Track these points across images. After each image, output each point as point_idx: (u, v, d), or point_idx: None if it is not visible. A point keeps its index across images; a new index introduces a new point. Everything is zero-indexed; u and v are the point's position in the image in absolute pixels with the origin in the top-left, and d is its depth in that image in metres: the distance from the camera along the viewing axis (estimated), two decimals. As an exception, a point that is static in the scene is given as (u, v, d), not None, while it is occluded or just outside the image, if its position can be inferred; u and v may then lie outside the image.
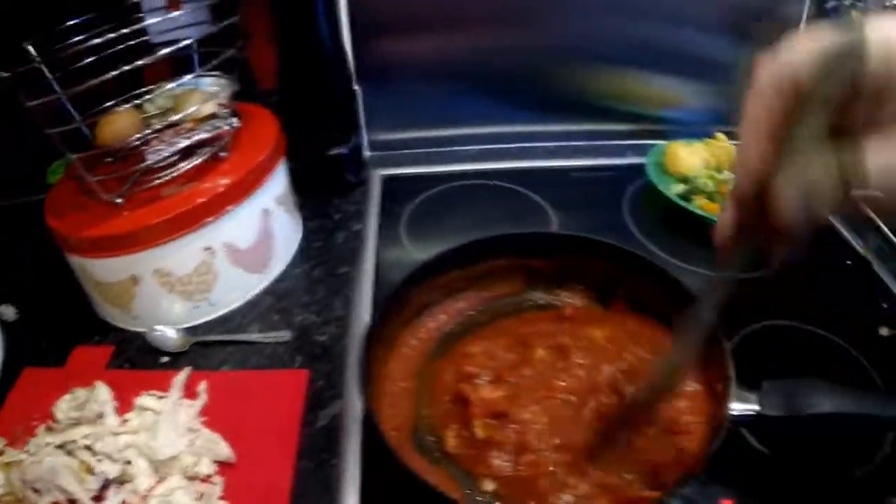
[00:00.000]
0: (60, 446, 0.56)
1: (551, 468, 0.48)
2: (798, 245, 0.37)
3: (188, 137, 0.68)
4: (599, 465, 0.49)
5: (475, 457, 0.50)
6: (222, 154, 0.68)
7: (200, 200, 0.64)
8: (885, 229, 0.81)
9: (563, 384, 0.53)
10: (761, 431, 0.58)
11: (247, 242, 0.69)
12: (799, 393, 0.50)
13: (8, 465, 0.55)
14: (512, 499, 0.48)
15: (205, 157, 0.67)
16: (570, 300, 0.64)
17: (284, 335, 0.66)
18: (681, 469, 0.49)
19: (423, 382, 0.56)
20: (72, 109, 0.64)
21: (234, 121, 0.70)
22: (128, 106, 0.69)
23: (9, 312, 0.72)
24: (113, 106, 0.67)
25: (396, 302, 0.55)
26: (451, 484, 0.49)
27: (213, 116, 0.70)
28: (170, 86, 0.67)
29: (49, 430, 0.59)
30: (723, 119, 0.95)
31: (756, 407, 0.50)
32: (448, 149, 0.98)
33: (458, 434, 0.51)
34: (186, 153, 0.68)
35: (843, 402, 0.50)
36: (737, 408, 0.49)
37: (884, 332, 0.68)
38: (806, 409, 0.50)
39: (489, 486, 0.49)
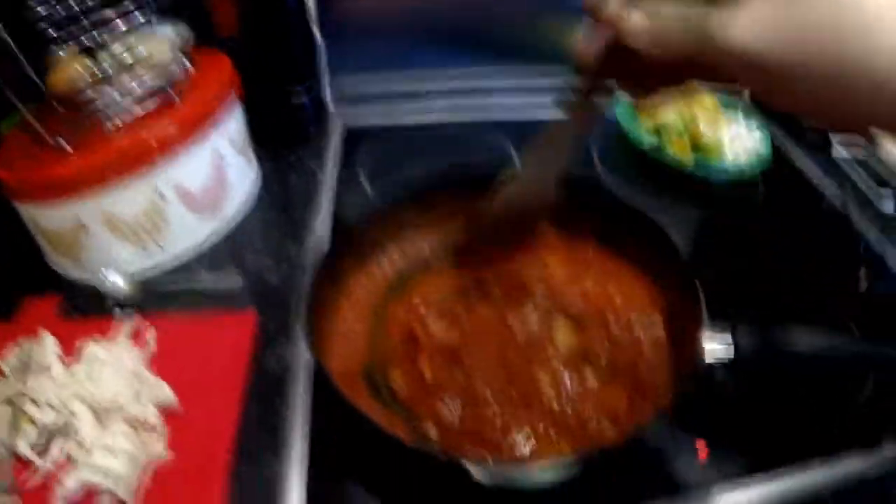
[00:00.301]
0: (7, 401, 0.54)
1: (500, 414, 0.45)
2: (652, 85, 0.41)
3: (141, 83, 0.65)
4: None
5: (422, 399, 0.47)
6: (175, 99, 0.65)
7: (149, 141, 0.61)
8: (857, 175, 0.79)
9: (518, 325, 0.50)
10: (735, 374, 0.55)
11: (199, 186, 0.66)
12: (774, 333, 0.48)
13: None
14: (457, 445, 0.45)
15: (157, 101, 0.65)
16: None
17: (235, 279, 0.63)
18: (651, 410, 0.46)
19: (378, 323, 0.53)
20: (18, 52, 0.62)
21: (188, 65, 0.67)
22: (77, 48, 0.67)
23: (-44, 265, 0.70)
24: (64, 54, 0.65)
25: (348, 240, 0.52)
26: (400, 427, 0.46)
27: (167, 62, 0.68)
28: (121, 24, 0.64)
29: (-7, 381, 0.56)
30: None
31: (730, 346, 0.47)
32: (412, 100, 0.94)
33: (407, 375, 0.49)
34: (139, 99, 0.65)
35: (820, 343, 0.47)
36: (710, 348, 0.47)
37: (862, 279, 0.65)
38: (781, 349, 0.47)
39: (432, 431, 0.46)
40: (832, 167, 0.82)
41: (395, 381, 0.48)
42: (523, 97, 0.95)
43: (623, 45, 0.35)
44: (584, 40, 0.40)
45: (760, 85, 0.33)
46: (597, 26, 0.38)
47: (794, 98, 0.32)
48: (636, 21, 0.34)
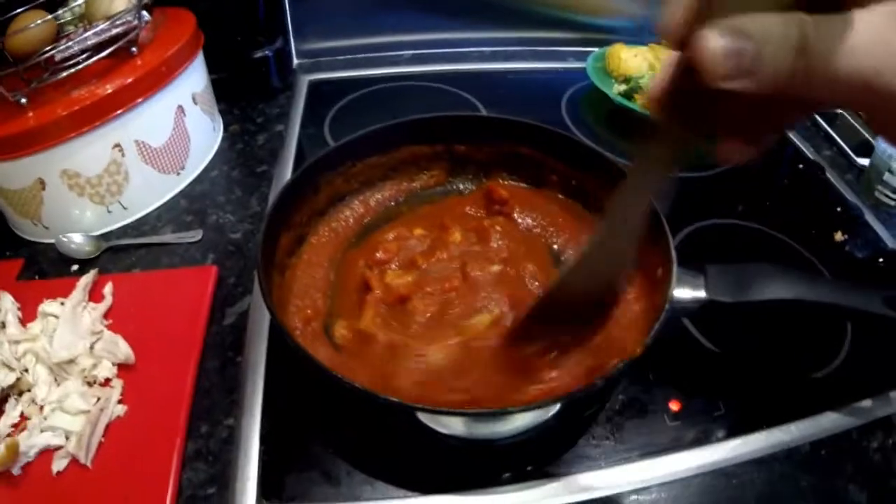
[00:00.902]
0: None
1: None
2: (736, 125, 0.30)
3: (97, 34, 0.63)
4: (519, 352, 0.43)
5: (356, 351, 0.45)
6: (133, 50, 0.63)
7: (107, 93, 0.59)
8: (839, 139, 0.77)
9: (478, 274, 0.48)
10: (710, 325, 0.53)
11: (160, 140, 0.64)
12: (748, 278, 0.46)
13: None
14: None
15: (113, 52, 0.62)
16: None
17: (197, 235, 0.61)
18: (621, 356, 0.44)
19: (338, 273, 0.51)
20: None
21: (145, 15, 0.65)
22: (36, 5, 0.64)
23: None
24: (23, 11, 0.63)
25: (303, 185, 0.50)
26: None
27: (124, 13, 0.66)
28: None
29: (-49, 342, 0.55)
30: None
31: (702, 293, 0.45)
32: (380, 54, 0.93)
33: (349, 326, 0.46)
34: (96, 50, 0.63)
35: (797, 288, 0.45)
36: (681, 293, 0.44)
37: (838, 236, 0.64)
38: (758, 295, 0.45)
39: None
40: (809, 126, 0.80)
41: (338, 332, 0.46)
42: (497, 47, 0.95)
43: (696, 79, 0.25)
44: (659, 77, 0.29)
45: (882, 114, 0.26)
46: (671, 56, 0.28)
47: None
48: (713, 44, 0.24)
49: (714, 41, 0.23)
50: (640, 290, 0.49)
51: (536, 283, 0.48)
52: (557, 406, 0.39)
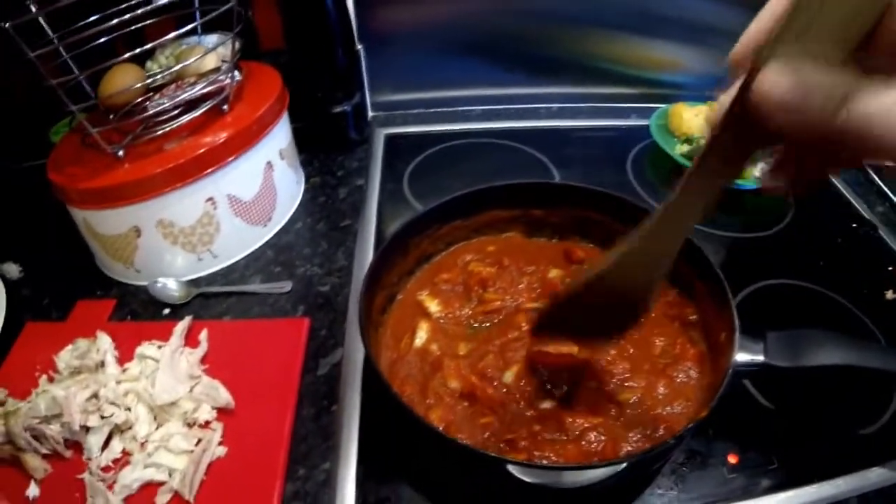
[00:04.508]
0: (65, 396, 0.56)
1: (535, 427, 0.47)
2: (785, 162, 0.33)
3: (190, 91, 0.68)
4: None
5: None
6: (224, 108, 0.68)
7: (202, 150, 0.63)
8: (892, 195, 0.80)
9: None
10: (766, 384, 0.57)
11: (249, 194, 0.69)
12: (804, 344, 0.49)
13: (7, 414, 0.54)
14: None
15: (206, 109, 0.67)
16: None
17: (286, 286, 0.65)
18: (685, 420, 0.48)
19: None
20: (71, 62, 0.64)
21: (236, 74, 0.70)
22: (128, 59, 0.68)
23: (12, 270, 0.73)
24: (115, 63, 0.67)
25: (395, 248, 0.54)
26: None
27: (215, 71, 0.70)
28: (172, 36, 0.66)
29: (50, 380, 0.59)
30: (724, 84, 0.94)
31: (761, 357, 0.49)
32: (451, 108, 0.97)
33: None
34: (188, 107, 0.67)
35: (848, 354, 0.49)
36: (742, 358, 0.48)
37: (890, 295, 0.67)
38: (812, 360, 0.48)
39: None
40: (863, 182, 0.83)
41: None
42: (563, 103, 0.99)
43: (750, 107, 0.27)
44: (725, 96, 0.31)
45: None
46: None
47: None
48: (771, 77, 0.26)
49: (772, 75, 0.26)
50: (703, 354, 0.53)
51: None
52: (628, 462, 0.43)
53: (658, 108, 0.90)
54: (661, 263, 0.39)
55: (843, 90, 0.25)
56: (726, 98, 0.30)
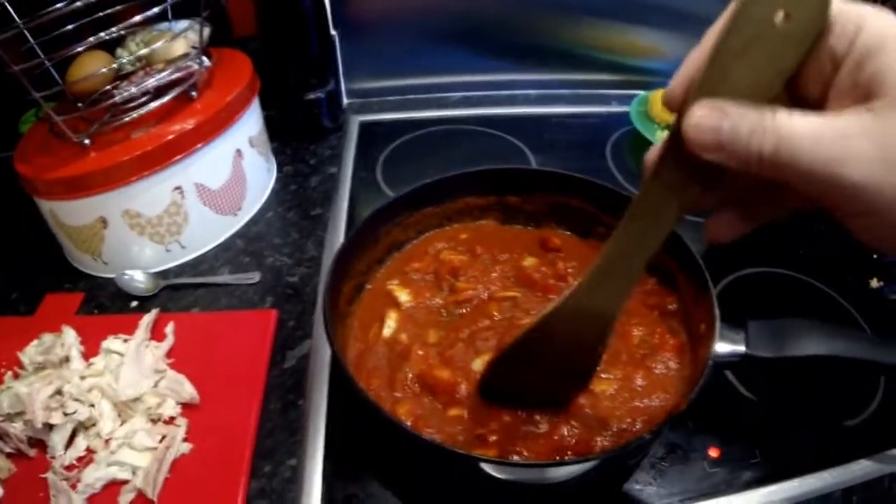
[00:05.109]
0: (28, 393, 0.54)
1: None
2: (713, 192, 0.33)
3: (157, 77, 0.66)
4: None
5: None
6: (192, 94, 0.66)
7: (169, 138, 0.62)
8: None
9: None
10: (748, 375, 0.55)
11: (218, 183, 0.67)
12: (787, 333, 0.48)
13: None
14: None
15: (174, 96, 0.65)
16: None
17: (254, 276, 0.63)
18: (663, 413, 0.46)
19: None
20: (37, 48, 0.62)
21: (205, 60, 0.68)
22: (97, 46, 0.67)
23: (-22, 265, 0.71)
24: (84, 50, 0.65)
25: (364, 236, 0.53)
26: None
27: (184, 57, 0.68)
28: (138, 18, 0.63)
29: (15, 376, 0.57)
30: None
31: (742, 348, 0.47)
32: (428, 95, 0.96)
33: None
34: (156, 94, 0.66)
35: (832, 344, 0.47)
36: (723, 348, 0.46)
37: (874, 283, 0.66)
38: (795, 351, 0.47)
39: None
40: None
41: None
42: (542, 90, 0.97)
43: (683, 148, 0.28)
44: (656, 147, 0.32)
45: (845, 204, 0.27)
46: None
47: None
48: (696, 115, 0.27)
49: (698, 113, 0.27)
50: (682, 344, 0.51)
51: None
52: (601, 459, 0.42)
53: (638, 94, 0.89)
54: (609, 308, 0.38)
55: (770, 123, 0.26)
56: (655, 149, 0.32)
